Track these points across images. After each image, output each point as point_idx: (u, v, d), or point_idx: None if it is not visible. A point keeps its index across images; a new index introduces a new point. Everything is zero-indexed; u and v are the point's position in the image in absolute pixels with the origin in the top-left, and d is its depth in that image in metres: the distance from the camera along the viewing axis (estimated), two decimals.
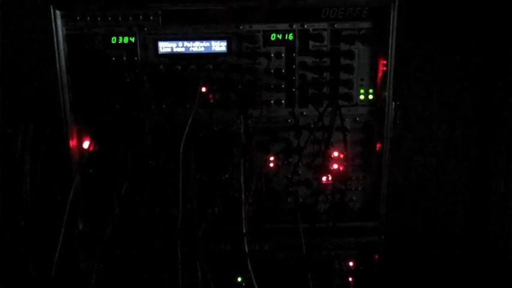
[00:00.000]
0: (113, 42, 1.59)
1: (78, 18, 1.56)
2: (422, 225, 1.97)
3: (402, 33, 1.57)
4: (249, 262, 1.56)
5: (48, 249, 1.61)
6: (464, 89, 1.87)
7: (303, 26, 1.60)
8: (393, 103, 1.62)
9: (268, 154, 1.67)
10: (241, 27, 1.59)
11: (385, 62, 1.60)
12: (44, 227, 1.73)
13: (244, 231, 1.56)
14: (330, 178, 1.69)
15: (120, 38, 1.59)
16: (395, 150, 1.68)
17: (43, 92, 1.71)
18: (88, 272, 1.67)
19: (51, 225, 1.64)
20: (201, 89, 1.59)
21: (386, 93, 1.61)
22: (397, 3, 1.54)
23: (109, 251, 1.67)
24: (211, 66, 1.61)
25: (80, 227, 1.68)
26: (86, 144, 1.64)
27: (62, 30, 1.57)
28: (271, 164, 1.68)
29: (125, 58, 1.60)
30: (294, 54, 1.62)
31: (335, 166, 1.68)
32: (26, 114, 1.72)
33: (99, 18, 1.56)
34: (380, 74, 1.62)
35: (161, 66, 1.60)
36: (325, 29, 1.60)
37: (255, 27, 1.60)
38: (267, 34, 1.60)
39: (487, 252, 1.95)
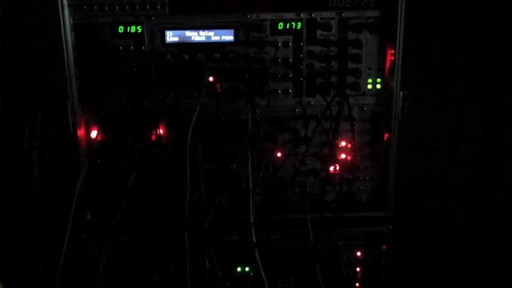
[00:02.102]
0: (120, 31, 1.59)
1: (85, 7, 1.56)
2: (429, 217, 1.96)
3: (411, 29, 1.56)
4: (256, 252, 1.56)
5: (56, 239, 1.61)
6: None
7: (310, 14, 1.59)
8: (401, 92, 1.60)
9: (275, 144, 1.66)
10: (248, 16, 1.59)
11: (393, 51, 1.59)
12: (51, 217, 1.74)
13: (251, 221, 1.56)
14: (337, 168, 1.68)
15: (128, 27, 1.59)
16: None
17: (50, 82, 1.72)
18: (96, 262, 1.67)
19: (59, 215, 1.64)
20: (208, 79, 1.59)
21: (394, 83, 1.60)
22: None
23: (117, 241, 1.67)
24: (218, 56, 1.60)
25: (88, 217, 1.68)
26: (93, 134, 1.64)
27: (69, 20, 1.56)
28: (279, 154, 1.68)
29: (132, 47, 1.60)
30: (302, 43, 1.61)
31: (342, 156, 1.67)
32: (34, 104, 1.72)
33: (106, 8, 1.56)
34: (388, 63, 1.61)
35: (168, 56, 1.60)
36: (332, 18, 1.60)
37: (263, 16, 1.59)
38: (274, 23, 1.59)
39: (495, 247, 1.94)
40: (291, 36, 1.61)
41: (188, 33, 1.59)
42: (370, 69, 1.63)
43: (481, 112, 1.89)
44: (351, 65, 1.62)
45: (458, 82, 1.87)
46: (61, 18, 1.55)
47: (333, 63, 1.62)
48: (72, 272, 1.65)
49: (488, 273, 1.93)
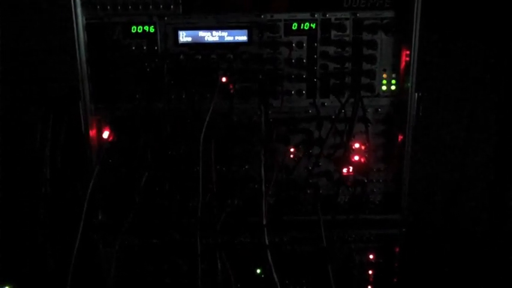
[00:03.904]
0: (133, 31, 1.58)
1: (98, 6, 1.55)
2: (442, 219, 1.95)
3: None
4: (269, 254, 1.55)
5: (67, 240, 1.60)
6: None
7: (324, 15, 1.58)
8: (416, 94, 1.59)
9: (288, 145, 1.65)
10: (262, 16, 1.58)
11: (408, 52, 1.57)
12: (63, 218, 1.73)
13: (264, 222, 1.55)
14: (351, 170, 1.67)
15: (140, 27, 1.58)
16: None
17: (62, 82, 1.71)
18: (107, 263, 1.66)
19: (70, 216, 1.64)
20: (221, 79, 1.58)
21: (409, 84, 1.58)
22: None
23: (128, 241, 1.67)
24: (231, 56, 1.59)
25: (100, 218, 1.67)
26: (105, 135, 1.63)
27: (82, 20, 1.56)
28: (292, 155, 1.66)
29: (145, 47, 1.59)
30: (316, 44, 1.60)
31: (356, 158, 1.66)
32: (46, 104, 1.71)
33: (119, 7, 1.55)
34: (403, 64, 1.60)
35: (181, 56, 1.59)
36: (347, 18, 1.58)
37: (276, 16, 1.58)
38: (288, 23, 1.58)
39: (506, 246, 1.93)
40: (305, 37, 1.59)
41: (201, 33, 1.58)
42: (384, 70, 1.61)
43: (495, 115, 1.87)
44: (366, 66, 1.61)
45: (472, 84, 1.85)
46: (74, 18, 1.54)
47: (347, 64, 1.61)
48: (83, 273, 1.64)
49: (502, 275, 1.91)
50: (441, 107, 1.87)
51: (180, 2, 1.56)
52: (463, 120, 1.87)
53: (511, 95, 1.85)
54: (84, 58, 1.57)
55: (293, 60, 1.60)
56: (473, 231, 1.93)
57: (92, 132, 1.62)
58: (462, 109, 1.87)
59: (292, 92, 1.62)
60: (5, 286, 1.77)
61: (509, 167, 1.90)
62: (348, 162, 1.65)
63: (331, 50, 1.60)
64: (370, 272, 1.74)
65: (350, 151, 1.65)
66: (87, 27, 1.57)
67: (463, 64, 1.84)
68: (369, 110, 1.62)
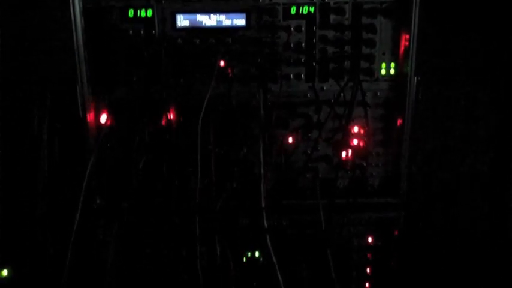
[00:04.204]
0: (130, 15, 1.57)
1: None
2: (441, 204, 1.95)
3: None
4: (267, 237, 1.55)
5: (66, 224, 1.60)
6: None
7: None
8: (415, 78, 1.58)
9: (287, 129, 1.65)
10: (260, 0, 1.56)
11: (407, 36, 1.56)
12: (61, 202, 1.73)
13: (263, 206, 1.55)
14: (350, 154, 1.66)
15: (138, 11, 1.56)
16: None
17: (60, 66, 1.70)
18: (105, 247, 1.66)
19: (68, 200, 1.64)
20: (219, 63, 1.57)
21: (408, 68, 1.57)
22: None
23: (127, 225, 1.67)
24: (230, 40, 1.58)
25: (98, 202, 1.67)
26: (103, 119, 1.62)
27: (79, 3, 1.54)
28: (291, 140, 1.66)
29: (142, 32, 1.58)
30: (315, 28, 1.59)
31: (355, 142, 1.65)
32: (43, 88, 1.70)
33: None
34: (402, 49, 1.59)
35: (179, 40, 1.58)
36: (346, 2, 1.57)
37: (275, 0, 1.56)
38: (287, 7, 1.57)
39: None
40: (303, 21, 1.58)
41: (199, 17, 1.57)
42: (384, 54, 1.61)
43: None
44: (365, 50, 1.60)
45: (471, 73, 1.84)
46: (71, 2, 1.53)
47: (346, 48, 1.60)
48: (81, 257, 1.65)
49: (502, 260, 1.92)
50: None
51: None
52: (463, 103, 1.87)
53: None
54: (81, 42, 1.56)
55: (292, 45, 1.59)
56: (473, 216, 1.93)
57: (90, 116, 1.62)
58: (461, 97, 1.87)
59: (291, 76, 1.61)
60: (4, 269, 1.77)
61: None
62: (346, 146, 1.65)
63: (330, 34, 1.59)
64: (369, 255, 1.75)
65: (349, 135, 1.64)
66: (85, 12, 1.55)
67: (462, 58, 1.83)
68: (368, 94, 1.61)
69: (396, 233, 1.71)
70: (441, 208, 1.91)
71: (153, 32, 1.58)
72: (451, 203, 1.90)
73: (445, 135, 1.86)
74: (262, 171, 1.56)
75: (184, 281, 1.71)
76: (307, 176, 1.69)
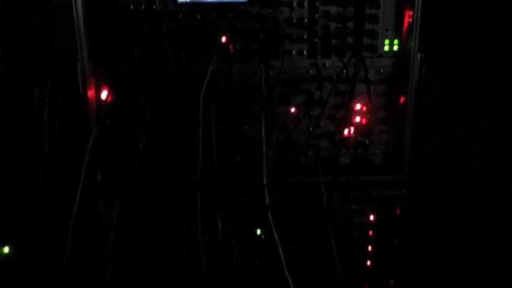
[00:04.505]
0: None
1: None
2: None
3: None
4: (269, 214, 1.55)
5: (67, 201, 1.60)
6: None
7: None
8: (419, 55, 1.57)
9: (289, 106, 1.63)
10: None
11: (411, 12, 1.54)
12: (62, 179, 1.72)
13: (264, 182, 1.54)
14: (352, 131, 1.65)
15: None
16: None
17: (60, 42, 1.68)
18: (107, 224, 1.66)
19: (70, 177, 1.63)
20: (221, 39, 1.55)
21: (411, 45, 1.56)
22: None
23: (128, 202, 1.66)
24: (231, 16, 1.56)
25: (99, 179, 1.66)
26: (104, 95, 1.61)
27: None
28: (293, 116, 1.65)
29: (143, 7, 1.56)
30: (317, 3, 1.57)
31: (358, 119, 1.64)
32: (43, 65, 1.69)
33: None
34: (406, 25, 1.57)
35: (180, 15, 1.56)
36: None
37: None
38: None
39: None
40: None
41: None
42: (387, 30, 1.59)
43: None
44: (368, 26, 1.58)
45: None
46: None
47: (349, 24, 1.58)
48: (83, 234, 1.65)
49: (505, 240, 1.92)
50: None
51: None
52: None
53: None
54: (81, 18, 1.54)
55: (294, 20, 1.57)
56: (475, 193, 1.93)
57: (90, 93, 1.60)
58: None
59: (293, 53, 1.60)
60: (5, 246, 1.77)
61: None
62: (349, 123, 1.64)
63: (333, 9, 1.57)
64: (371, 233, 1.74)
65: (351, 112, 1.63)
66: None
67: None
68: (370, 71, 1.60)
69: (398, 211, 1.71)
70: (444, 186, 1.90)
71: (154, 7, 1.56)
72: (454, 181, 1.89)
73: (449, 112, 1.84)
74: (264, 148, 1.55)
75: (185, 258, 1.71)
76: (309, 153, 1.68)
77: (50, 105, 1.67)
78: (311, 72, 1.62)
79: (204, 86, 1.52)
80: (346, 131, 1.65)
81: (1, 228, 1.78)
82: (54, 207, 1.74)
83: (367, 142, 1.64)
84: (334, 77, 1.60)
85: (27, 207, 1.76)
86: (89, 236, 1.71)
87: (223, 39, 1.56)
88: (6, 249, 1.78)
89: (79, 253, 1.68)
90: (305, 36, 1.59)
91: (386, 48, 1.60)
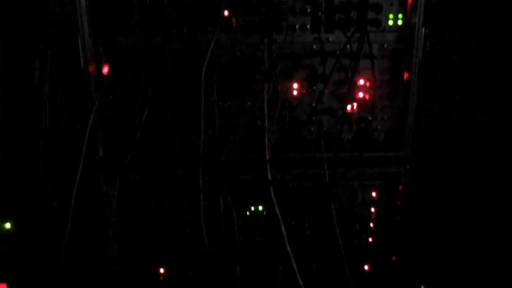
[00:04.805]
0: None
1: None
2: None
3: None
4: (272, 190, 1.54)
5: (69, 176, 1.59)
6: None
7: None
8: (423, 29, 1.55)
9: (292, 81, 1.62)
10: None
11: None
12: (63, 155, 1.72)
13: (267, 158, 1.53)
14: (355, 107, 1.64)
15: None
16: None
17: (61, 16, 1.67)
18: (108, 200, 1.66)
19: (71, 153, 1.63)
20: (223, 13, 1.53)
21: (416, 19, 1.54)
22: None
23: (130, 178, 1.66)
24: None
25: (100, 154, 1.65)
26: (105, 70, 1.60)
27: None
28: (295, 92, 1.63)
29: None
30: None
31: (361, 94, 1.63)
32: (44, 39, 1.68)
33: None
34: None
35: None
36: None
37: None
38: None
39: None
40: None
41: None
42: (391, 4, 1.57)
43: None
44: (372, 0, 1.56)
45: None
46: None
47: None
48: (84, 210, 1.64)
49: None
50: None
51: None
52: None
53: None
54: None
55: None
56: (478, 169, 1.92)
57: (91, 68, 1.59)
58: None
59: (296, 27, 1.58)
60: (7, 222, 1.77)
61: None
62: (352, 99, 1.62)
63: None
64: (373, 209, 1.74)
65: (354, 88, 1.61)
66: None
67: None
68: (374, 46, 1.58)
69: (400, 187, 1.70)
70: (447, 162, 1.89)
71: None
72: (457, 157, 1.88)
73: (453, 88, 1.83)
74: (266, 123, 1.54)
75: (187, 234, 1.71)
76: (312, 129, 1.66)
77: (50, 79, 1.65)
78: (314, 47, 1.60)
79: (206, 61, 1.51)
80: (349, 107, 1.63)
81: (2, 203, 1.78)
82: (56, 183, 1.73)
83: (370, 118, 1.63)
84: (338, 51, 1.58)
85: (29, 183, 1.76)
86: (90, 212, 1.70)
87: (226, 12, 1.54)
88: (7, 225, 1.78)
89: (80, 230, 1.67)
90: (308, 10, 1.56)
91: (390, 22, 1.58)
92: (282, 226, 1.57)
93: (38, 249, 1.80)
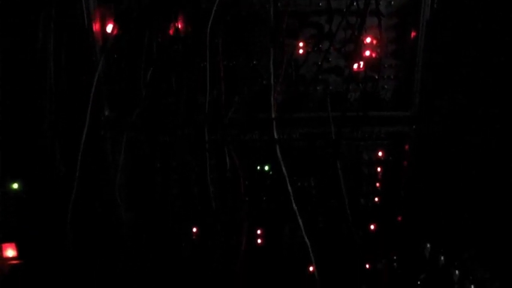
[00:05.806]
0: None
1: None
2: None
3: None
4: (277, 148, 1.54)
5: (74, 137, 1.59)
6: None
7: None
8: None
9: (297, 39, 1.60)
10: None
11: None
12: (69, 114, 1.71)
13: (273, 117, 1.53)
14: (361, 65, 1.62)
15: None
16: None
17: None
18: (114, 159, 1.66)
19: (76, 112, 1.62)
20: None
21: None
22: None
23: (136, 138, 1.66)
24: None
25: (106, 114, 1.65)
26: (109, 28, 1.58)
27: None
28: (301, 50, 1.62)
29: None
30: None
31: (367, 53, 1.61)
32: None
33: None
34: None
35: None
36: None
37: None
38: None
39: None
40: None
41: None
42: None
43: None
44: None
45: None
46: None
47: None
48: (90, 171, 1.65)
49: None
50: None
51: None
52: None
53: None
54: None
55: None
56: (486, 127, 1.90)
57: (96, 27, 1.58)
58: None
59: None
60: (14, 183, 1.78)
61: None
62: (358, 57, 1.61)
63: None
64: (379, 169, 1.73)
65: (361, 46, 1.59)
66: None
67: None
68: (381, 3, 1.55)
69: (407, 147, 1.69)
70: (454, 122, 1.87)
71: None
72: (464, 117, 1.87)
73: (462, 45, 1.80)
74: (272, 82, 1.53)
75: (194, 194, 1.71)
76: (318, 88, 1.65)
77: (55, 38, 1.64)
78: (320, 4, 1.58)
79: (211, 18, 1.49)
80: (355, 66, 1.62)
81: (10, 164, 1.78)
82: (62, 143, 1.73)
83: (377, 77, 1.61)
84: (344, 9, 1.56)
85: (34, 143, 1.76)
86: (96, 171, 1.71)
87: None
88: (15, 185, 1.79)
89: (86, 190, 1.68)
90: None
91: None
92: (288, 184, 1.58)
93: (45, 209, 1.80)
